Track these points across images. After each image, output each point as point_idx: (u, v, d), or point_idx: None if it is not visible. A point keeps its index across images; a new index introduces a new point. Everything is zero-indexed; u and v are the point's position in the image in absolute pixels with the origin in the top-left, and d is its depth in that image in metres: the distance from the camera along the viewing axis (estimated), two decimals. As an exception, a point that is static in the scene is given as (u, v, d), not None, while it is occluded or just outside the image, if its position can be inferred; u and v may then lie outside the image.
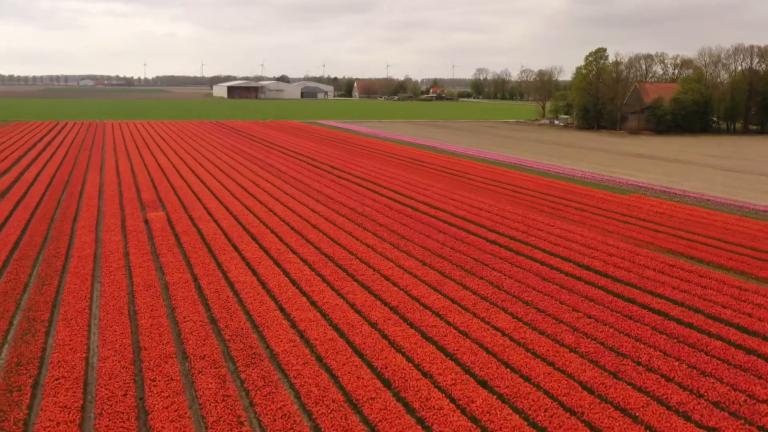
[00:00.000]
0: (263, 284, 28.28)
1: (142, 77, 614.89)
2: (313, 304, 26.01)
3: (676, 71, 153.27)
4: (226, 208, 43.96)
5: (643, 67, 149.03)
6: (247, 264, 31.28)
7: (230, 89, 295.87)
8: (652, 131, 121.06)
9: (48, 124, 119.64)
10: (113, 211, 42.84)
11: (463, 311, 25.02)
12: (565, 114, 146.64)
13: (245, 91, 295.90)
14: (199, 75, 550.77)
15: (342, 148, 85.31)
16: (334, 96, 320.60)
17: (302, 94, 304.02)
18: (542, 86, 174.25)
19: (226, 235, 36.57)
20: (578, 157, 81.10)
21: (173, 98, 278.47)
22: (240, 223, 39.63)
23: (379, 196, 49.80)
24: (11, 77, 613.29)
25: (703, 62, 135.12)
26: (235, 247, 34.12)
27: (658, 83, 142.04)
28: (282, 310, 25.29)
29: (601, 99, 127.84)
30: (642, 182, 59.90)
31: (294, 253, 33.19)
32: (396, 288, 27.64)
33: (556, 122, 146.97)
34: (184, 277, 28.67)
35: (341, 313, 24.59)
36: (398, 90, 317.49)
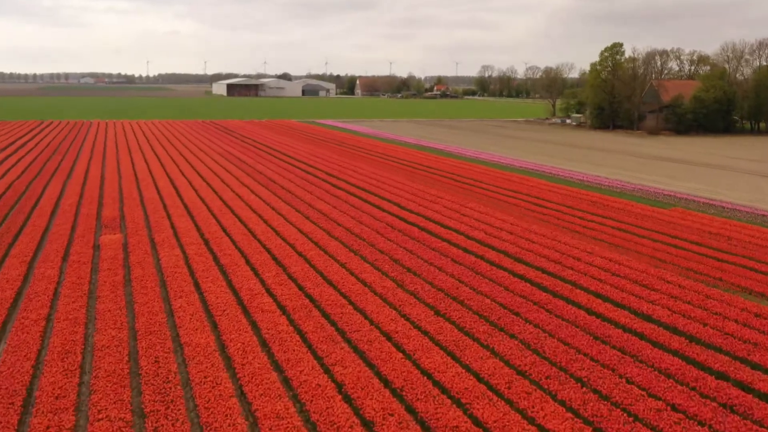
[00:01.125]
0: (222, 348, 21.20)
1: (144, 75, 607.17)
2: (287, 383, 18.92)
3: (693, 68, 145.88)
4: (198, 229, 36.89)
5: (659, 63, 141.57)
6: (208, 313, 24.22)
7: (229, 87, 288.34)
8: (671, 131, 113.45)
9: (30, 124, 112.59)
10: (61, 233, 35.77)
11: (495, 398, 17.86)
12: (577, 113, 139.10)
13: (245, 89, 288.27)
14: (201, 73, 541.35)
15: (340, 151, 78.08)
16: (336, 94, 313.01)
17: (303, 92, 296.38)
18: (551, 84, 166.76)
19: (189, 269, 29.50)
20: (598, 161, 73.77)
21: (171, 96, 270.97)
22: (210, 250, 32.56)
23: (379, 211, 42.67)
24: (11, 75, 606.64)
25: (725, 58, 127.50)
26: (197, 287, 27.05)
27: (676, 80, 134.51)
28: (242, 396, 18.19)
29: (617, 97, 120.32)
30: (680, 192, 52.58)
31: (270, 295, 26.10)
32: (400, 355, 20.52)
33: (568, 121, 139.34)
34: (119, 337, 21.59)
35: (324, 402, 17.47)
36: (401, 87, 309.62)
